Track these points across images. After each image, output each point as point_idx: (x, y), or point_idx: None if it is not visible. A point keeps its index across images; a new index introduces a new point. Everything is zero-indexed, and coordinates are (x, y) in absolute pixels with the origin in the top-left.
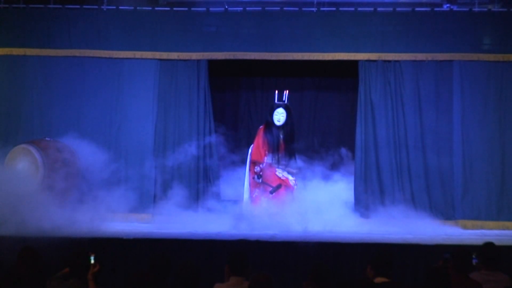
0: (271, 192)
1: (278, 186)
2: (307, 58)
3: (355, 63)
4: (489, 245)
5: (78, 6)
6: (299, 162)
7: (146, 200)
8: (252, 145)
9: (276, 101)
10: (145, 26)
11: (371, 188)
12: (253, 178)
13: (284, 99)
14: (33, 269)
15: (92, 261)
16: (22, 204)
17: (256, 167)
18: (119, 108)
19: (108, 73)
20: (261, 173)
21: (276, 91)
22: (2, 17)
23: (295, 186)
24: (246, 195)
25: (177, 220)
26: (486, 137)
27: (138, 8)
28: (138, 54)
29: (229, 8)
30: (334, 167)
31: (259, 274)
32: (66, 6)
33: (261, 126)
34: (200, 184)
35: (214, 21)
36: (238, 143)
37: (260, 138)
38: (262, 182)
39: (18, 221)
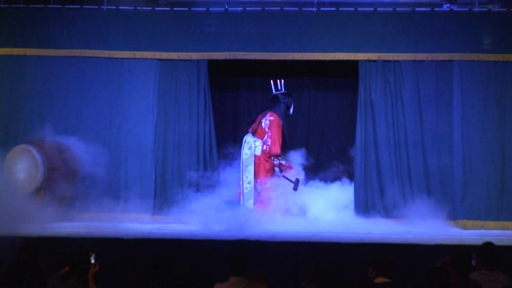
0: (295, 189)
1: (298, 181)
2: (307, 58)
3: (355, 63)
4: (488, 245)
5: (78, 6)
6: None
7: (146, 200)
8: (266, 139)
9: (285, 91)
10: (145, 26)
11: (371, 188)
12: (274, 171)
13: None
14: (33, 268)
15: (93, 261)
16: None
17: (275, 160)
18: (119, 108)
19: (108, 73)
20: (280, 167)
21: (283, 81)
22: (2, 17)
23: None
24: (248, 186)
25: (176, 220)
26: (486, 137)
27: (138, 8)
28: (138, 54)
29: (229, 8)
30: (334, 167)
31: (257, 274)
32: (66, 6)
33: (272, 118)
34: (200, 184)
35: (214, 21)
36: (238, 143)
37: (280, 131)
38: (283, 176)
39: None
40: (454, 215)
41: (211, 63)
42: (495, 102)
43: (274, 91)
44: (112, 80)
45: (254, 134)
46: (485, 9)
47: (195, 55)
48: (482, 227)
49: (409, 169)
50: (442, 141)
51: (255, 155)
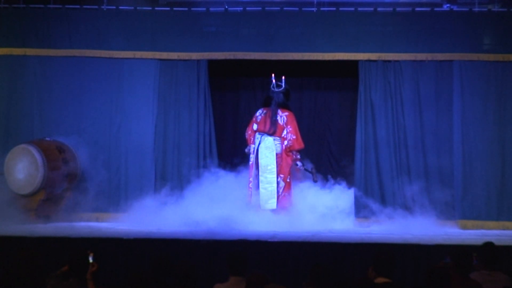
0: (316, 181)
1: (314, 171)
2: (307, 58)
3: (355, 63)
4: (489, 245)
5: (78, 6)
6: None
7: (146, 200)
8: (285, 134)
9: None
10: (145, 26)
11: (371, 188)
12: (296, 165)
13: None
14: (32, 268)
15: (91, 260)
16: None
17: (297, 154)
18: (119, 108)
19: (108, 73)
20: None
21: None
22: (2, 17)
23: None
24: (268, 186)
25: (177, 219)
26: (486, 137)
27: (138, 8)
28: (138, 54)
29: (229, 8)
30: (334, 167)
31: (253, 274)
32: (66, 6)
33: (287, 113)
34: (199, 183)
35: (214, 21)
36: (238, 143)
37: (297, 126)
38: (304, 168)
39: None
40: (454, 215)
41: (211, 63)
42: (495, 102)
43: (276, 89)
44: (112, 80)
45: (273, 134)
46: (485, 9)
47: (195, 55)
48: (482, 227)
49: (409, 169)
50: (442, 141)
51: (276, 153)
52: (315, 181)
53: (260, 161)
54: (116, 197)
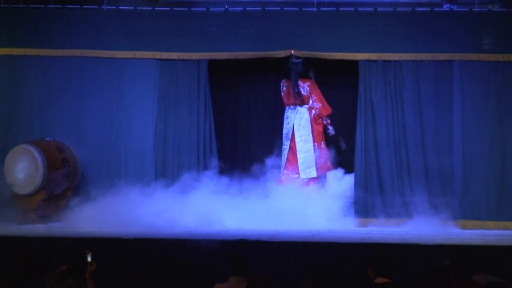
0: (344, 146)
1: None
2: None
3: (355, 63)
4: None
5: (78, 6)
6: None
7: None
8: (312, 104)
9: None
10: (145, 26)
11: (371, 188)
12: (328, 129)
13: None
14: (31, 268)
15: (89, 260)
16: None
17: (327, 119)
18: (119, 108)
19: (109, 73)
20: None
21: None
22: (2, 17)
23: None
24: (304, 155)
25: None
26: (486, 137)
27: (138, 8)
28: (138, 54)
29: (229, 8)
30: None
31: (255, 274)
32: (66, 6)
33: (308, 83)
34: (199, 183)
35: (214, 21)
36: (238, 143)
37: (320, 93)
38: (335, 135)
39: None
40: (454, 215)
41: (211, 62)
42: (495, 102)
43: (294, 60)
44: (112, 80)
45: (301, 105)
46: (485, 9)
47: (195, 55)
48: (482, 227)
49: (409, 169)
50: (442, 141)
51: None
52: (342, 147)
53: (295, 132)
54: (116, 196)
